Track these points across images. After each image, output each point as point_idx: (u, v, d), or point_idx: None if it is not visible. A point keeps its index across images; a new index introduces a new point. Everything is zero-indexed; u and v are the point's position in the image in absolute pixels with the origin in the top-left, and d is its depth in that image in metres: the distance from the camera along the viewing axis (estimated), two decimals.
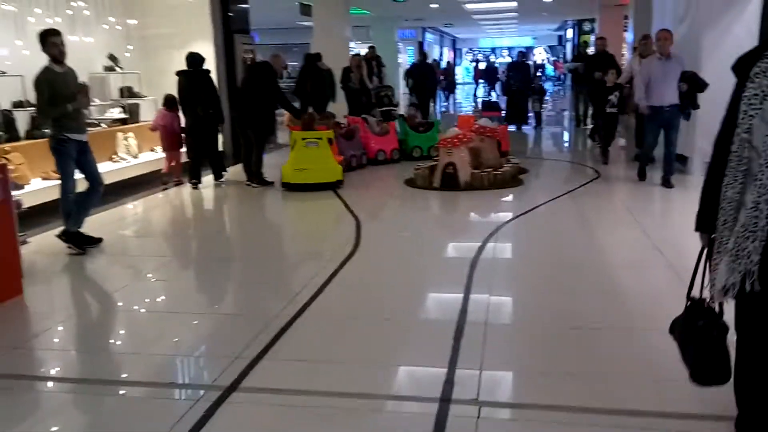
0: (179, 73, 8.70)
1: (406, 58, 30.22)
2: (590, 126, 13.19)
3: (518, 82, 14.66)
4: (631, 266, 5.16)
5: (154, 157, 9.89)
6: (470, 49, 45.35)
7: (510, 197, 7.90)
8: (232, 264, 5.82)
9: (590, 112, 13.38)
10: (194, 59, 8.70)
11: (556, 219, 6.88)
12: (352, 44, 21.06)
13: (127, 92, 10.16)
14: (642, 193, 7.86)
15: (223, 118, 9.16)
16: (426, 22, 30.88)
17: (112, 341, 4.17)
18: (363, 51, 24.63)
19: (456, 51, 43.90)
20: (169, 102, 8.86)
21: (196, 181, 8.88)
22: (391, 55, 25.45)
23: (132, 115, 10.08)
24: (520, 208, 7.19)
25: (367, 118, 10.93)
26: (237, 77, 11.88)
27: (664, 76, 7.57)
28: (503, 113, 11.83)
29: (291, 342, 3.85)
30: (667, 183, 7.82)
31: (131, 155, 9.50)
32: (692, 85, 7.68)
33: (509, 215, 6.90)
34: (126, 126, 9.81)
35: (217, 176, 9.11)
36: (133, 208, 8.06)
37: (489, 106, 11.84)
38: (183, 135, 8.87)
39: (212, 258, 5.90)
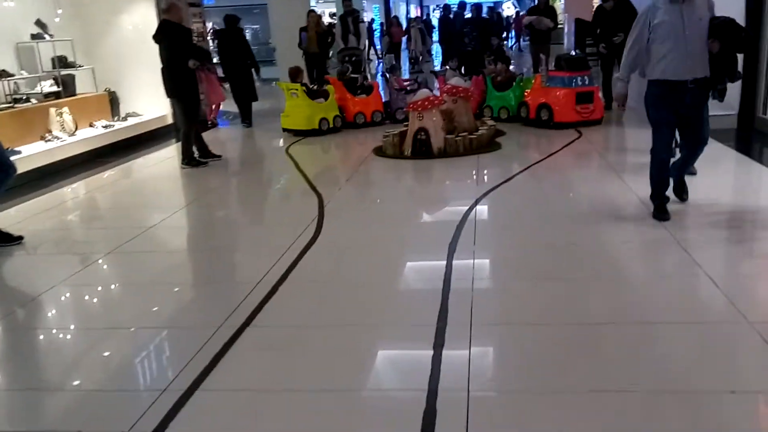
0: (217, 32, 11.42)
1: (371, 15, 29.02)
2: None
3: (474, 40, 12.14)
4: (633, 240, 4.50)
5: (94, 132, 8.96)
6: (437, 6, 44.06)
7: (489, 163, 7.15)
8: (175, 257, 5.02)
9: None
10: (230, 19, 10.46)
11: (542, 186, 6.20)
12: (312, 3, 19.98)
13: (59, 62, 9.12)
14: (630, 147, 7.20)
15: (258, 67, 10.81)
16: None
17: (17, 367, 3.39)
18: (327, 10, 23.47)
19: (423, 8, 42.65)
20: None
21: (247, 123, 10.69)
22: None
23: (66, 87, 9.08)
24: (501, 174, 6.45)
25: (446, 70, 10.41)
26: None
27: (684, 30, 4.46)
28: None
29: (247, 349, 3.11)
30: (681, 194, 5.16)
31: (67, 132, 8.54)
32: (729, 41, 4.61)
33: (490, 184, 6.13)
34: (60, 100, 8.84)
35: (246, 121, 10.73)
36: (71, 192, 7.18)
37: (573, 63, 8.83)
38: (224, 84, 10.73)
39: (151, 251, 5.08)
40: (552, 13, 11.94)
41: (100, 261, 4.77)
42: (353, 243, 4.84)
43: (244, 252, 5.00)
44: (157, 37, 7.49)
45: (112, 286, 4.43)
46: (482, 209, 5.36)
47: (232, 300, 3.80)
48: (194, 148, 7.80)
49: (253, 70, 10.64)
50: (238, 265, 4.75)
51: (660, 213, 4.80)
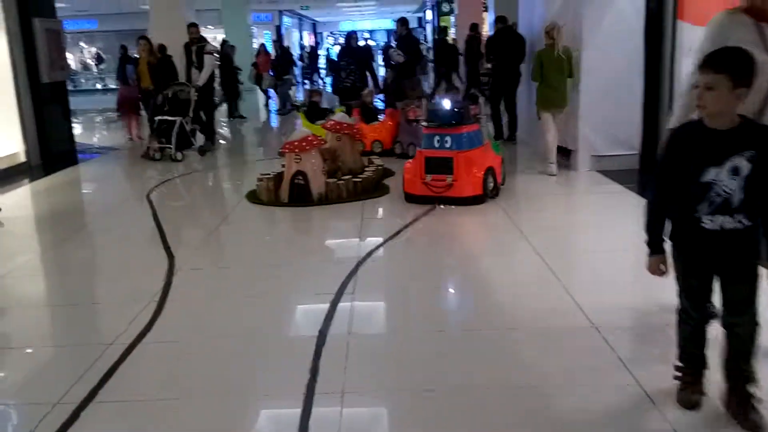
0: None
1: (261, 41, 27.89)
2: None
3: (353, 74, 10.50)
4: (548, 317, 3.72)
5: None
6: (331, 33, 43.66)
7: (374, 211, 6.34)
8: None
9: None
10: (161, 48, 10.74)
11: (439, 240, 5.44)
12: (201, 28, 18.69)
13: None
14: (531, 186, 6.64)
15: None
16: (281, 4, 28.91)
17: None
18: (219, 36, 21.78)
19: (317, 35, 42.17)
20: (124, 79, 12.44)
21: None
22: (245, 39, 23.30)
23: None
24: (387, 228, 5.63)
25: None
26: (40, 67, 9.72)
27: None
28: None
29: None
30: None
31: None
32: None
33: (374, 240, 5.29)
34: None
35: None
36: None
37: (435, 115, 6.44)
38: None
39: None
40: (409, 42, 10.40)
41: None
42: (195, 336, 3.73)
43: (45, 356, 3.63)
44: None
45: None
46: (363, 278, 4.46)
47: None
48: None
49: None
50: (27, 380, 3.36)
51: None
